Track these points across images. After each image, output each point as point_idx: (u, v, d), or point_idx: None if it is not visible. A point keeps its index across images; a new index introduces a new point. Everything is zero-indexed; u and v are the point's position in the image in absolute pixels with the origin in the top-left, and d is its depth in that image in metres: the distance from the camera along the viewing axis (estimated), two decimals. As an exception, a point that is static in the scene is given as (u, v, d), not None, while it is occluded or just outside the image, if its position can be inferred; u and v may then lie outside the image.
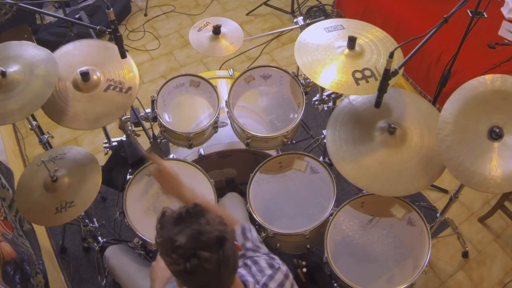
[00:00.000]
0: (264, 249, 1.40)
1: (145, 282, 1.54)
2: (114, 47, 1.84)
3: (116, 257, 1.92)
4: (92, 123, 1.78)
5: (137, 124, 2.11)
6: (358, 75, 1.80)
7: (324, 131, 2.07)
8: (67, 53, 1.94)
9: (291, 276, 1.31)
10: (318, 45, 1.92)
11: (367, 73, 1.81)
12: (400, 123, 1.87)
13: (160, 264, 1.46)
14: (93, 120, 1.78)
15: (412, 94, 2.02)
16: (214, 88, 2.17)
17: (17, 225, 1.96)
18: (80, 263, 2.48)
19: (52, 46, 3.40)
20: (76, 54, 1.93)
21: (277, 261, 1.32)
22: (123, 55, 1.69)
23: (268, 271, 1.27)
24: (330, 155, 1.86)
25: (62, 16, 3.01)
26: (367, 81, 1.79)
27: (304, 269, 2.02)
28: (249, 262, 1.32)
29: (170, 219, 1.09)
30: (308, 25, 2.10)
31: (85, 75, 1.80)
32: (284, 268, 1.30)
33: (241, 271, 1.27)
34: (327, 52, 1.89)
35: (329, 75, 1.83)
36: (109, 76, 1.85)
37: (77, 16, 3.00)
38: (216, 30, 2.17)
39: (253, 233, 1.44)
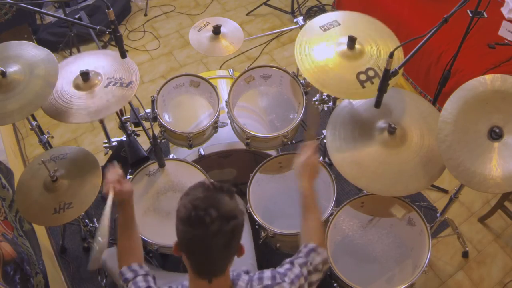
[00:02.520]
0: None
1: None
2: (113, 52, 1.84)
3: (113, 259, 1.91)
4: (93, 115, 1.78)
5: (137, 124, 2.11)
6: (363, 77, 1.80)
7: (324, 131, 2.07)
8: (69, 62, 1.96)
9: None
10: (320, 53, 1.91)
11: (371, 73, 1.81)
12: (400, 123, 1.87)
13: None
14: (94, 112, 1.77)
15: (412, 94, 2.02)
16: (214, 88, 2.17)
17: (17, 225, 1.96)
18: (80, 263, 2.48)
19: (52, 46, 3.44)
20: (78, 64, 1.94)
21: (287, 279, 1.27)
22: (123, 55, 1.69)
23: (267, 282, 1.25)
24: (330, 155, 1.86)
25: (62, 16, 3.01)
26: (372, 82, 1.79)
27: (304, 269, 2.02)
28: (256, 272, 1.31)
29: (201, 184, 1.14)
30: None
31: (85, 75, 1.80)
32: (287, 286, 1.25)
33: (243, 276, 1.27)
34: (329, 56, 1.88)
35: (336, 82, 1.81)
36: (110, 75, 1.85)
37: (77, 16, 2.99)
38: (216, 30, 2.17)
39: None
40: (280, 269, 1.32)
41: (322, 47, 1.89)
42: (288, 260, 1.37)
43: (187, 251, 1.14)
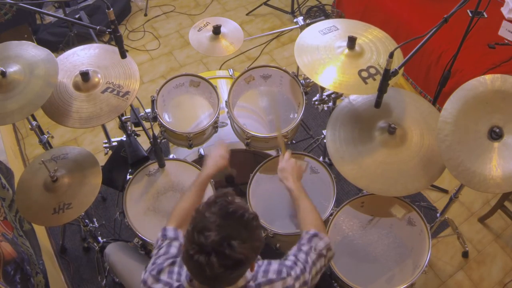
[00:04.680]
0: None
1: None
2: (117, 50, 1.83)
3: (117, 253, 1.93)
4: (84, 122, 1.77)
5: (137, 124, 2.11)
6: (364, 74, 1.80)
7: (324, 131, 2.07)
8: (72, 54, 1.95)
9: None
10: (319, 47, 1.92)
11: (372, 71, 1.81)
12: (400, 123, 1.87)
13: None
14: (85, 119, 1.77)
15: (412, 94, 2.02)
16: (214, 88, 2.17)
17: (17, 225, 1.96)
18: (80, 263, 2.48)
19: (52, 46, 3.44)
20: (81, 56, 1.94)
21: (293, 273, 1.27)
22: (123, 55, 1.69)
23: (272, 275, 1.25)
24: (330, 155, 1.86)
25: (62, 16, 3.01)
26: (374, 79, 1.79)
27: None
28: (265, 261, 1.30)
29: (224, 206, 1.08)
30: (308, 25, 2.10)
31: (85, 75, 1.80)
32: (290, 282, 1.24)
33: None
34: (330, 55, 1.88)
35: (336, 77, 1.81)
36: (109, 79, 1.85)
37: (77, 16, 2.99)
38: (216, 30, 2.17)
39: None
40: (287, 262, 1.31)
41: (322, 52, 1.89)
42: (291, 252, 1.36)
43: (190, 273, 1.14)
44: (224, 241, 1.04)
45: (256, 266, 1.27)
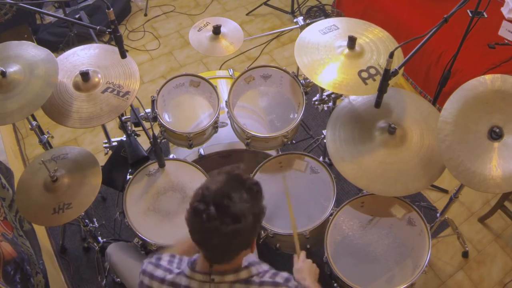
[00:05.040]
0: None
1: None
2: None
3: (118, 253, 1.93)
4: (84, 122, 1.77)
5: (137, 124, 2.11)
6: (364, 74, 1.80)
7: (324, 131, 2.07)
8: (72, 54, 1.95)
9: None
10: (319, 47, 1.92)
11: (372, 71, 1.81)
12: (400, 123, 1.87)
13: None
14: (85, 119, 1.77)
15: (412, 94, 2.02)
16: (214, 88, 2.17)
17: (17, 225, 1.96)
18: (80, 263, 2.48)
19: (52, 46, 3.44)
20: (81, 56, 1.94)
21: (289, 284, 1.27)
22: (123, 55, 1.69)
23: (279, 280, 1.24)
24: (330, 155, 1.86)
25: (62, 16, 3.01)
26: (374, 80, 1.79)
27: (304, 269, 2.02)
28: (274, 270, 1.30)
29: (228, 171, 1.13)
30: (308, 25, 2.10)
31: (85, 75, 1.80)
32: None
33: (263, 266, 1.27)
34: (329, 55, 1.88)
35: (336, 78, 1.81)
36: (109, 79, 1.85)
37: (77, 16, 2.99)
38: (216, 30, 2.17)
39: None
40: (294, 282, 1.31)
41: (322, 53, 1.89)
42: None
43: (191, 235, 1.15)
44: (224, 193, 1.08)
45: (268, 267, 1.28)
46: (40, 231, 2.40)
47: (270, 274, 1.25)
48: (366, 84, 1.79)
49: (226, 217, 1.06)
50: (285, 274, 1.28)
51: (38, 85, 1.67)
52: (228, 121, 2.22)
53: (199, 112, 2.26)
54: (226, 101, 2.11)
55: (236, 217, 1.07)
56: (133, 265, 1.87)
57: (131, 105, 2.08)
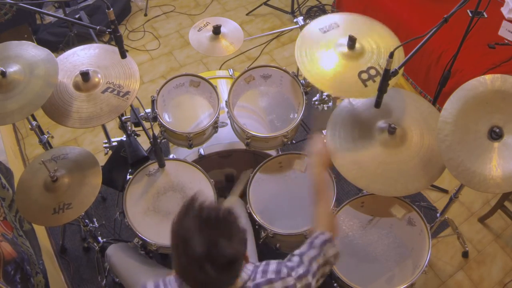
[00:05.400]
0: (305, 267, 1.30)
1: (147, 279, 1.55)
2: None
3: (118, 255, 1.93)
4: (84, 122, 1.77)
5: (137, 124, 2.11)
6: (364, 76, 1.79)
7: (324, 131, 2.07)
8: (72, 54, 1.95)
9: None
10: (319, 47, 1.92)
11: (372, 72, 1.80)
12: (400, 123, 1.87)
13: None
14: (85, 119, 1.77)
15: (412, 94, 2.02)
16: (214, 88, 2.17)
17: (17, 225, 1.96)
18: (80, 263, 2.48)
19: (52, 46, 3.44)
20: (81, 56, 1.94)
21: (294, 274, 1.25)
22: (123, 55, 1.69)
23: (271, 275, 1.23)
24: (330, 155, 1.85)
25: (62, 16, 3.01)
26: (374, 81, 1.78)
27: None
28: (263, 262, 1.30)
29: (197, 214, 1.08)
30: (307, 25, 2.09)
31: (85, 75, 1.80)
32: (291, 282, 1.22)
33: (248, 266, 1.25)
34: (330, 56, 1.87)
35: (337, 81, 1.80)
36: (110, 79, 1.85)
37: (77, 16, 2.99)
38: (216, 30, 2.17)
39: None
40: (289, 263, 1.29)
41: (322, 52, 1.89)
42: (298, 252, 1.34)
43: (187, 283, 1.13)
44: (211, 247, 1.05)
45: (253, 267, 1.26)
46: (40, 231, 2.40)
47: (260, 274, 1.23)
48: (366, 86, 1.78)
49: (223, 265, 1.06)
50: (273, 266, 1.26)
51: (38, 85, 1.67)
52: (228, 121, 2.22)
53: (199, 112, 2.26)
54: (226, 101, 2.11)
55: (232, 259, 1.07)
56: (133, 266, 1.87)
57: (131, 105, 2.09)
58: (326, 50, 1.88)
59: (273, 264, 1.27)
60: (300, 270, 1.26)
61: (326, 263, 1.33)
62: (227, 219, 1.09)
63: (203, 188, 2.01)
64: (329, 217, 1.48)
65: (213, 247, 1.04)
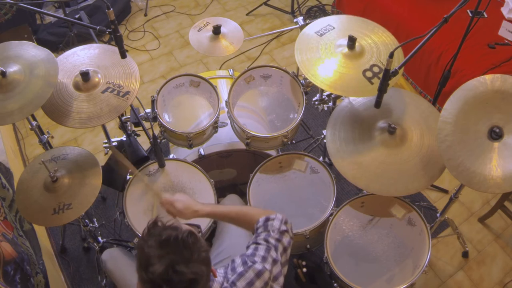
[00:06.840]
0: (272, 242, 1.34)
1: None
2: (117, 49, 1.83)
3: (113, 260, 1.91)
4: (84, 122, 1.77)
5: (137, 124, 2.11)
6: (369, 73, 1.79)
7: (324, 131, 2.07)
8: (72, 54, 1.95)
9: (266, 275, 1.25)
10: (319, 48, 1.91)
11: (376, 69, 1.80)
12: (400, 123, 1.87)
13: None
14: (85, 119, 1.77)
15: (412, 94, 2.02)
16: (214, 88, 2.17)
17: (17, 225, 1.97)
18: (80, 263, 2.48)
19: (52, 46, 3.44)
20: (81, 56, 1.94)
21: (258, 259, 1.27)
22: (123, 55, 1.69)
23: (240, 269, 1.25)
24: (330, 155, 1.86)
25: (62, 16, 3.01)
26: (379, 78, 1.77)
27: (304, 269, 2.02)
28: (229, 262, 1.32)
29: (158, 236, 1.08)
30: (308, 25, 2.09)
31: (85, 75, 1.80)
32: (259, 266, 1.25)
33: (218, 270, 1.28)
34: (332, 58, 1.87)
35: (343, 82, 1.80)
36: (110, 79, 1.85)
37: (77, 16, 3.00)
38: (216, 30, 2.17)
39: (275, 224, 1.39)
40: (248, 251, 1.32)
41: (323, 54, 1.89)
42: (251, 241, 1.36)
43: None
44: (169, 269, 1.04)
45: (224, 270, 1.28)
46: (40, 231, 2.40)
47: (230, 273, 1.25)
48: (372, 83, 1.77)
49: (184, 287, 1.05)
50: (238, 261, 1.28)
51: (38, 85, 1.67)
52: (228, 121, 2.22)
53: (199, 112, 2.26)
54: (226, 101, 2.11)
55: (193, 281, 1.06)
56: (129, 271, 1.85)
57: (131, 105, 2.09)
58: (327, 52, 1.88)
59: (237, 259, 1.30)
60: (261, 252, 1.29)
61: (282, 234, 1.36)
62: (187, 241, 1.08)
63: (203, 188, 2.01)
64: (247, 210, 1.49)
65: (171, 270, 1.04)
